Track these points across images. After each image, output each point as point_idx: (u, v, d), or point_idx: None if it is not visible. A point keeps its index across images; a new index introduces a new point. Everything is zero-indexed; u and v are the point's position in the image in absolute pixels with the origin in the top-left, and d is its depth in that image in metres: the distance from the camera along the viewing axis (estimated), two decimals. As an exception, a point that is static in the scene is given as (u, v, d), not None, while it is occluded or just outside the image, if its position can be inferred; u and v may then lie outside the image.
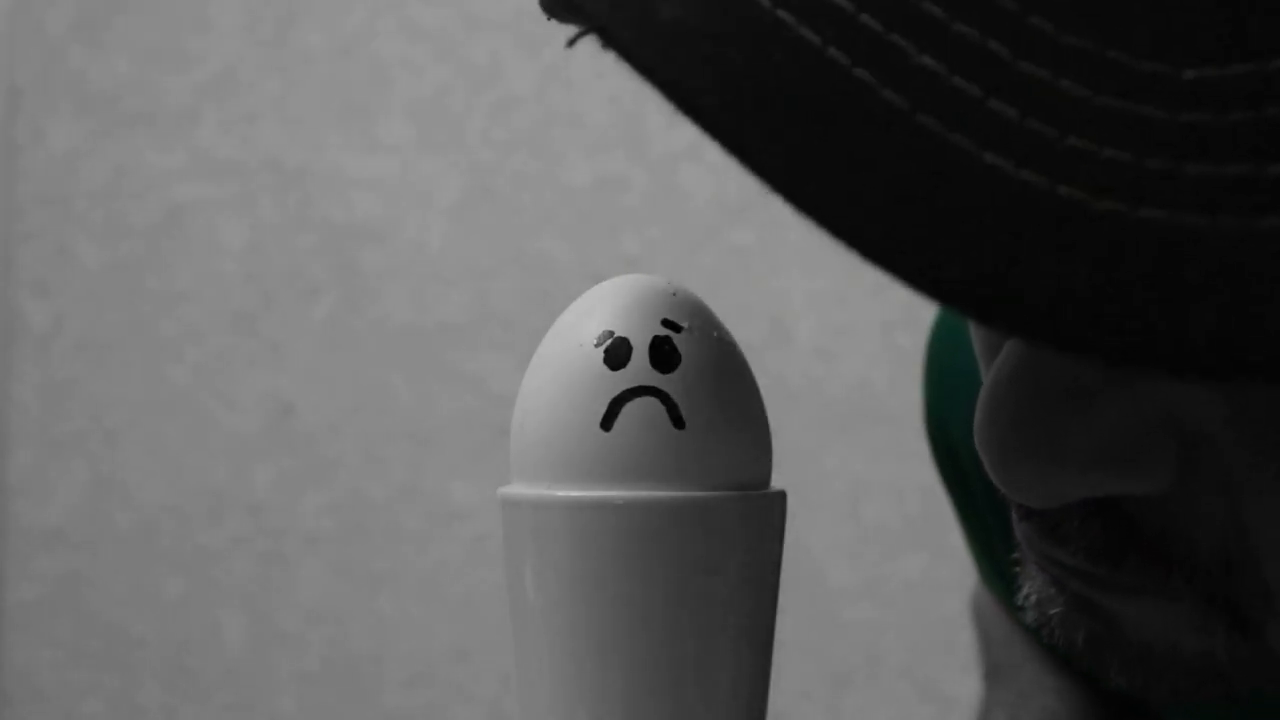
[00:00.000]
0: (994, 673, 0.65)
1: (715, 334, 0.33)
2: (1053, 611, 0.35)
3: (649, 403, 0.32)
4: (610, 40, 0.25)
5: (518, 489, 0.33)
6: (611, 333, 0.32)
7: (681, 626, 0.32)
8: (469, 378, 1.63)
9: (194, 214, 1.64)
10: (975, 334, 0.37)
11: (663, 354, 0.32)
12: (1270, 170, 0.22)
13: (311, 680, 1.62)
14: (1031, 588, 0.36)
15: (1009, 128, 0.23)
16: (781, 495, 0.34)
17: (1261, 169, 0.22)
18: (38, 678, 1.63)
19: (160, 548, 1.63)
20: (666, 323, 0.33)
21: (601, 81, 1.63)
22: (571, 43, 0.28)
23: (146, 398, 1.64)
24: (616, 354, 0.32)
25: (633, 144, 1.64)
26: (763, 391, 0.34)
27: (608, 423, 0.32)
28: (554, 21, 0.31)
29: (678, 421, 0.32)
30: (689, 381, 0.32)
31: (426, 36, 1.64)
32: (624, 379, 0.32)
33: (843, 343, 1.66)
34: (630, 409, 0.32)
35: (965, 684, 1.39)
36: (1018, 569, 0.36)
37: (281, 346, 1.64)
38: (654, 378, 0.32)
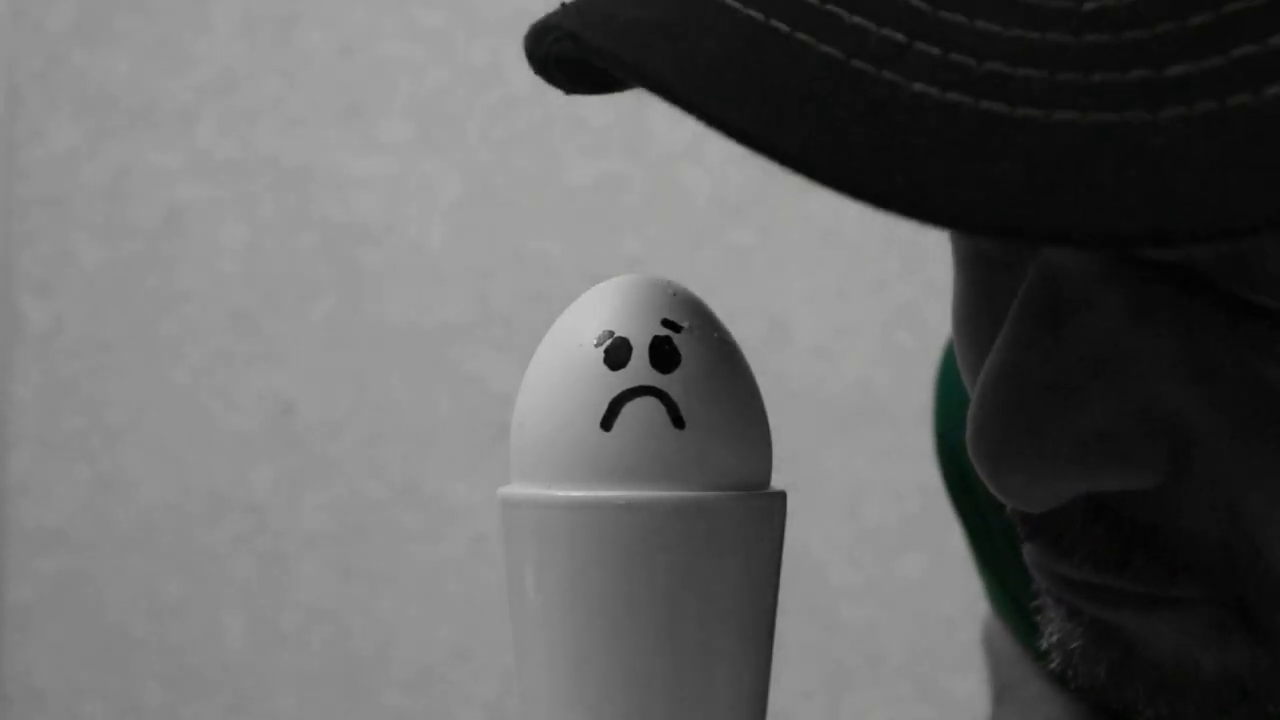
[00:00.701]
0: (1002, 692, 0.65)
1: (715, 334, 0.33)
2: (1073, 646, 0.35)
3: (649, 403, 0.32)
4: (581, 43, 0.30)
5: (518, 489, 0.33)
6: (611, 333, 0.32)
7: (681, 626, 0.32)
8: (469, 378, 1.63)
9: (194, 214, 1.64)
10: (960, 354, 0.37)
11: (663, 354, 0.32)
12: (1167, 72, 0.26)
13: (311, 680, 1.62)
14: (1052, 629, 0.36)
15: (934, 62, 0.27)
16: (781, 495, 0.34)
17: (1159, 72, 0.26)
18: (38, 678, 1.63)
19: (160, 548, 1.63)
20: (666, 323, 0.33)
21: (601, 81, 1.63)
22: (559, 81, 0.34)
23: (146, 398, 1.64)
24: (616, 354, 0.32)
25: (633, 144, 1.64)
26: (763, 391, 0.34)
27: (608, 423, 0.32)
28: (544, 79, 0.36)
29: (678, 421, 0.32)
30: (689, 381, 0.32)
31: (426, 36, 1.64)
32: (624, 379, 0.32)
33: (843, 343, 1.66)
34: (630, 409, 0.32)
35: (965, 684, 1.39)
36: (1038, 616, 0.37)
37: (281, 346, 1.64)
38: (654, 378, 0.32)
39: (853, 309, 1.66)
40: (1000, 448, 0.32)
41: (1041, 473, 0.32)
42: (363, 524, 1.63)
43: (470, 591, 1.63)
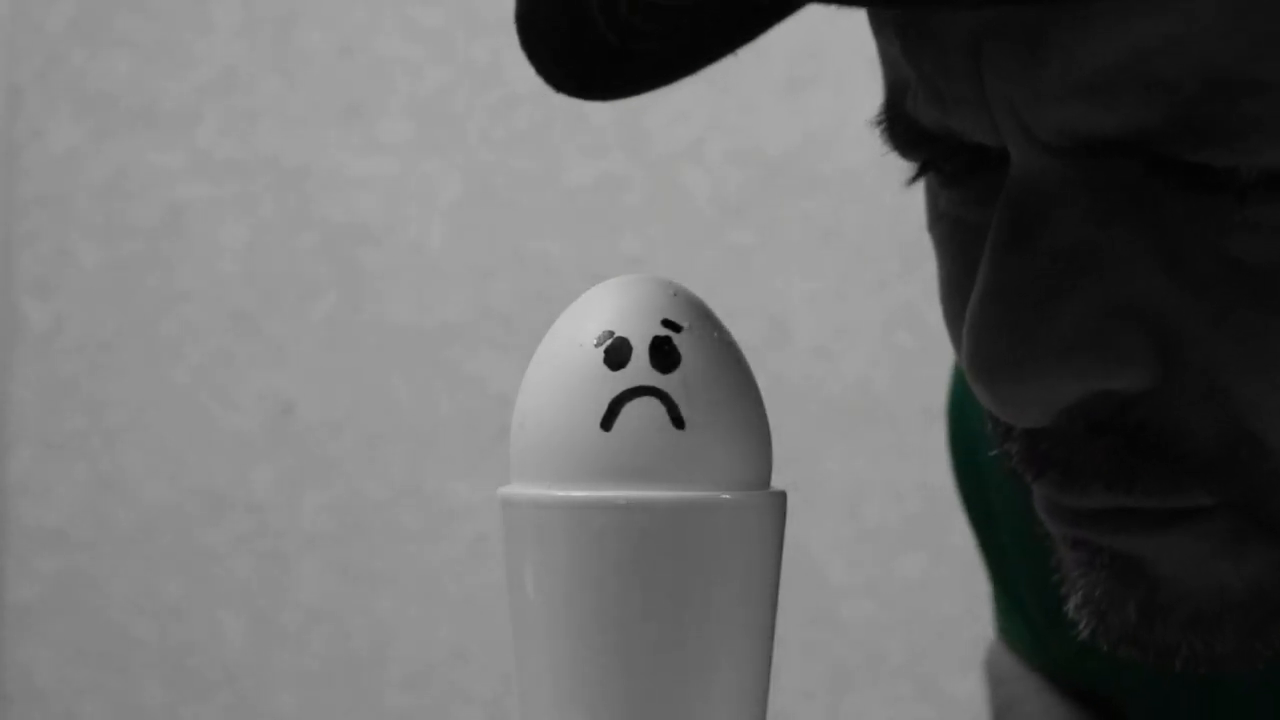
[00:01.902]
0: (1002, 712, 0.66)
1: (715, 334, 0.33)
2: (1098, 594, 0.36)
3: (649, 403, 0.32)
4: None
5: (518, 489, 0.33)
6: (611, 333, 0.32)
7: (681, 626, 0.32)
8: (469, 378, 1.63)
9: (194, 214, 1.64)
10: (950, 330, 0.38)
11: (663, 354, 0.32)
12: None
13: (311, 680, 1.63)
14: (1075, 586, 0.36)
15: None
16: (781, 495, 0.34)
17: None
18: (38, 678, 1.63)
19: (160, 548, 1.63)
20: (666, 323, 0.33)
21: (601, 81, 1.63)
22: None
23: (146, 398, 1.64)
24: (616, 354, 0.32)
25: (633, 144, 1.64)
26: (763, 391, 0.34)
27: (608, 423, 0.32)
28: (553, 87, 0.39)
29: (678, 421, 0.32)
30: (689, 381, 0.32)
31: (426, 36, 1.64)
32: (624, 379, 0.32)
33: (843, 343, 1.66)
34: (630, 409, 0.32)
35: (965, 684, 1.39)
36: (1063, 587, 0.37)
37: (281, 346, 1.64)
38: (654, 378, 0.32)
39: (853, 309, 1.66)
40: (994, 362, 0.33)
41: (1034, 376, 0.33)
42: (363, 524, 1.63)
43: (470, 591, 1.63)
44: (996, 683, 0.67)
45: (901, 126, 0.37)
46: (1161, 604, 0.35)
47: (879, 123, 0.38)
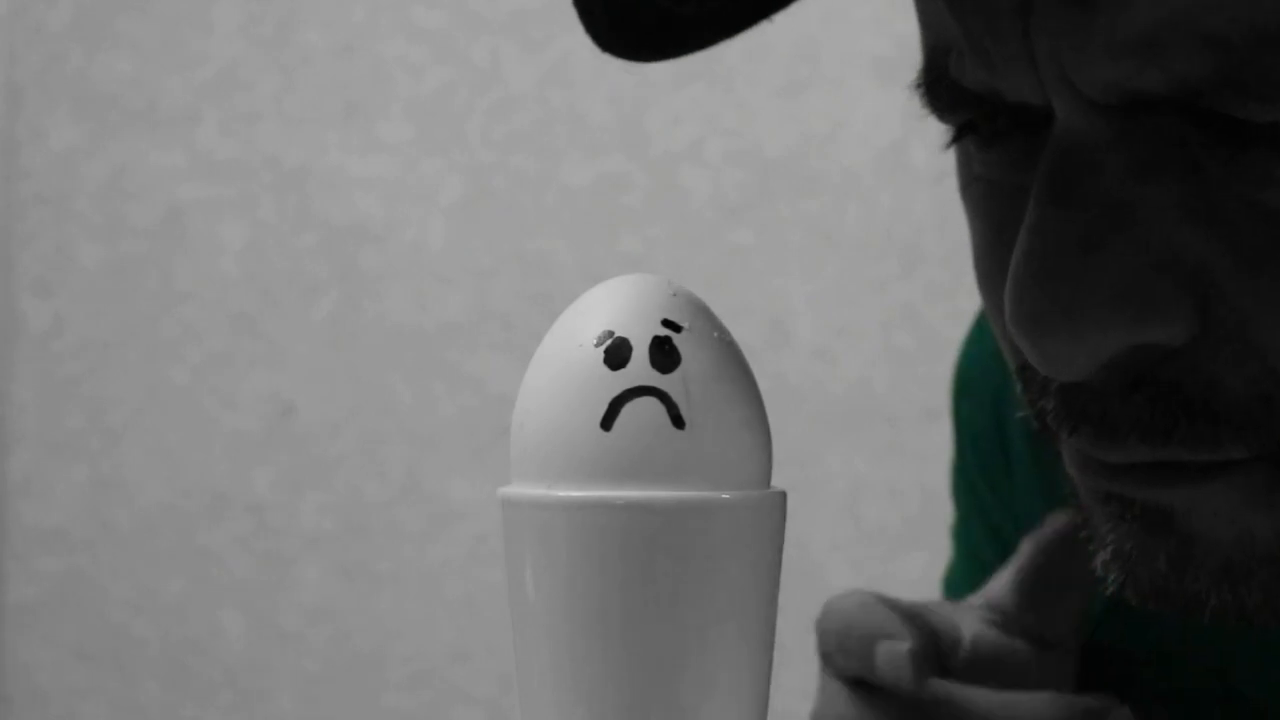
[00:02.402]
0: None
1: (715, 334, 0.33)
2: (1128, 547, 0.36)
3: (649, 403, 0.32)
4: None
5: (518, 489, 0.33)
6: (611, 333, 0.32)
7: (682, 626, 0.32)
8: (469, 378, 1.63)
9: (194, 214, 1.64)
10: (984, 296, 0.38)
11: (663, 354, 0.32)
12: None
13: (311, 680, 1.63)
14: (1104, 540, 0.37)
15: None
16: (781, 495, 0.34)
17: None
18: (38, 678, 1.63)
19: (160, 548, 1.63)
20: (666, 323, 0.33)
21: (601, 81, 1.63)
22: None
23: (146, 398, 1.64)
24: (616, 354, 0.32)
25: (633, 144, 1.64)
26: (763, 391, 0.34)
27: (608, 423, 0.32)
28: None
29: (678, 421, 0.32)
30: (689, 381, 0.32)
31: (426, 36, 1.64)
32: (624, 379, 0.32)
33: (843, 343, 1.66)
34: (630, 409, 0.32)
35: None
36: (1091, 545, 0.37)
37: (281, 346, 1.64)
38: (654, 378, 0.32)
39: (853, 309, 1.66)
40: (1040, 314, 0.33)
41: (1078, 329, 0.33)
42: (363, 524, 1.63)
43: (470, 591, 1.63)
44: None
45: (942, 88, 0.37)
46: (1193, 555, 0.35)
47: (918, 86, 0.38)
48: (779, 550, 0.34)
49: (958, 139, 0.39)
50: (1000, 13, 0.34)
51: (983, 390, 0.62)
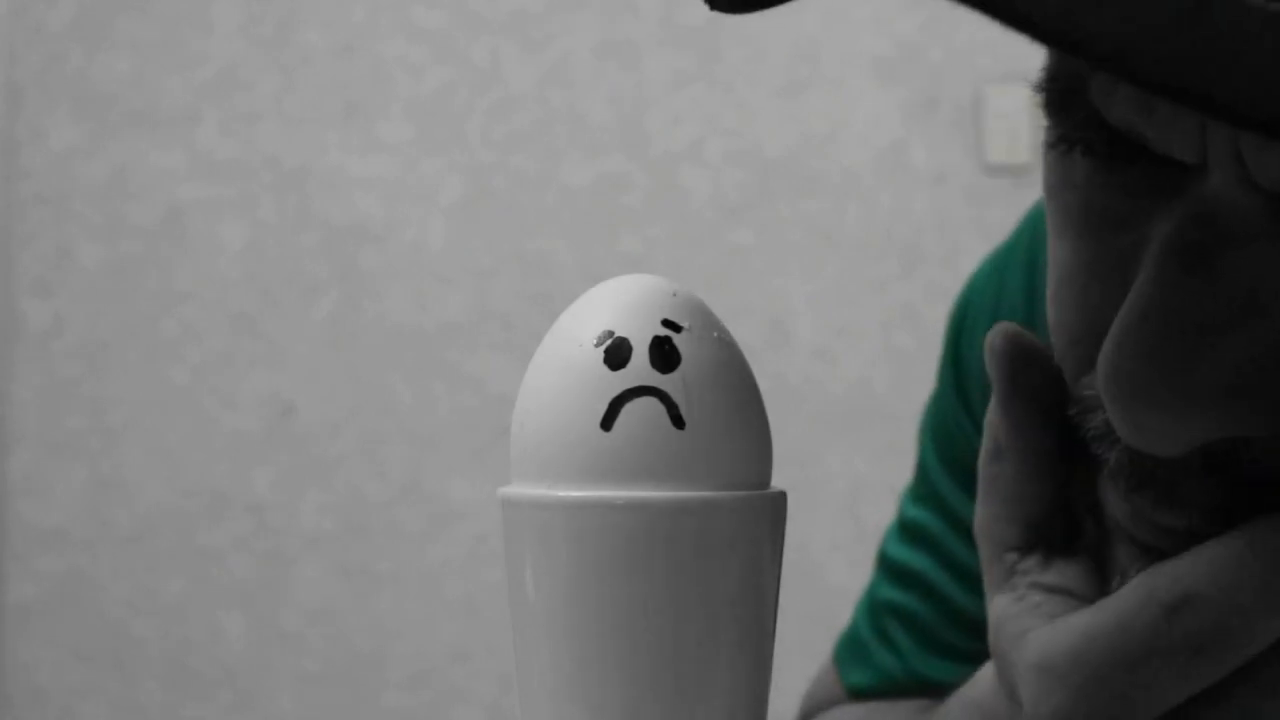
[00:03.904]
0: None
1: (715, 334, 0.33)
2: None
3: (649, 403, 0.32)
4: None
5: (518, 489, 0.33)
6: (611, 333, 0.32)
7: (681, 626, 0.32)
8: (469, 378, 1.63)
9: (194, 214, 1.64)
10: (1061, 317, 0.37)
11: (663, 354, 0.32)
12: None
13: (311, 680, 1.63)
14: (1120, 575, 0.36)
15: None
16: (781, 495, 0.34)
17: None
18: (38, 678, 1.63)
19: (160, 548, 1.63)
20: (666, 323, 0.32)
21: (601, 81, 1.63)
22: None
23: (146, 398, 1.64)
24: (616, 354, 0.32)
25: (633, 144, 1.64)
26: (763, 391, 0.34)
27: (608, 423, 0.32)
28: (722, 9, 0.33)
29: (678, 421, 0.32)
30: (689, 381, 0.32)
31: (426, 36, 1.64)
32: (624, 379, 0.32)
33: (843, 343, 1.66)
34: (630, 409, 0.32)
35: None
36: (1106, 566, 0.36)
37: (281, 346, 1.64)
38: (654, 378, 0.32)
39: (853, 309, 1.66)
40: (1140, 385, 0.32)
41: (1185, 414, 0.32)
42: (363, 524, 1.63)
43: (470, 591, 1.63)
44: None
45: (1072, 104, 0.35)
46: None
47: (1041, 90, 0.36)
48: (779, 550, 0.34)
49: (1067, 147, 0.37)
50: None
51: (984, 328, 0.61)
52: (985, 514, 0.38)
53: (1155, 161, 0.34)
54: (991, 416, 0.38)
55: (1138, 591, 0.34)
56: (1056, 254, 0.38)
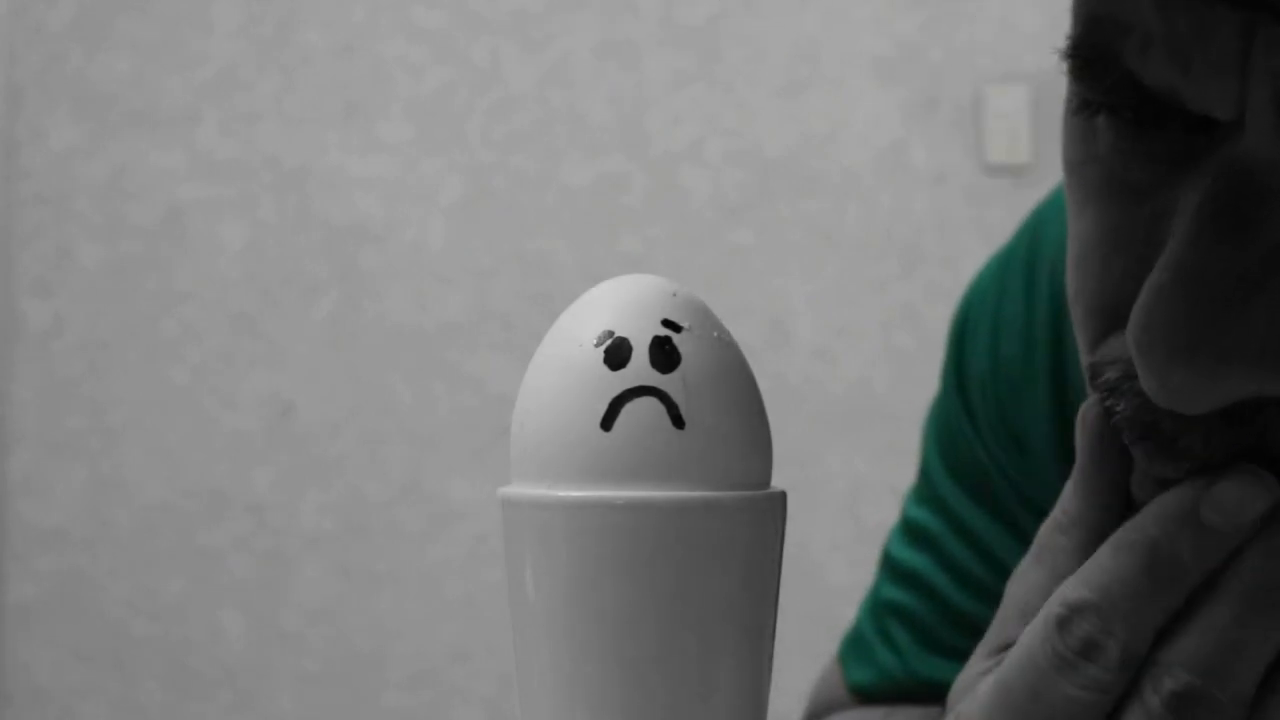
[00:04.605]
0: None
1: (715, 334, 0.33)
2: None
3: (649, 403, 0.32)
4: None
5: (518, 489, 0.33)
6: (611, 333, 0.32)
7: (681, 626, 0.32)
8: (469, 378, 1.63)
9: (194, 214, 1.64)
10: (1082, 289, 0.37)
11: (663, 354, 0.32)
12: None
13: (311, 680, 1.62)
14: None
15: None
16: (781, 495, 0.34)
17: None
18: (38, 678, 1.63)
19: (160, 548, 1.63)
20: (666, 323, 0.32)
21: (601, 81, 1.63)
22: None
23: (146, 398, 1.64)
24: (616, 354, 0.32)
25: (633, 144, 1.64)
26: (763, 391, 0.34)
27: (608, 423, 0.32)
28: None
29: (678, 421, 0.32)
30: (689, 381, 0.32)
31: (426, 36, 1.64)
32: (624, 379, 0.32)
33: (843, 343, 1.66)
34: (630, 409, 0.32)
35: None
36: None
37: (281, 346, 1.64)
38: (654, 378, 0.32)
39: (853, 309, 1.66)
40: (1175, 345, 0.32)
41: (1216, 372, 0.32)
42: (363, 524, 1.63)
43: (470, 591, 1.63)
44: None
45: (1103, 68, 0.34)
46: None
47: (1068, 56, 0.36)
48: (779, 550, 0.34)
49: (1093, 114, 0.36)
50: (1219, 22, 0.32)
51: (985, 332, 0.61)
52: (1030, 579, 0.38)
53: (1185, 125, 0.33)
54: (1067, 488, 0.38)
55: (1038, 621, 0.35)
56: (1077, 227, 0.38)
